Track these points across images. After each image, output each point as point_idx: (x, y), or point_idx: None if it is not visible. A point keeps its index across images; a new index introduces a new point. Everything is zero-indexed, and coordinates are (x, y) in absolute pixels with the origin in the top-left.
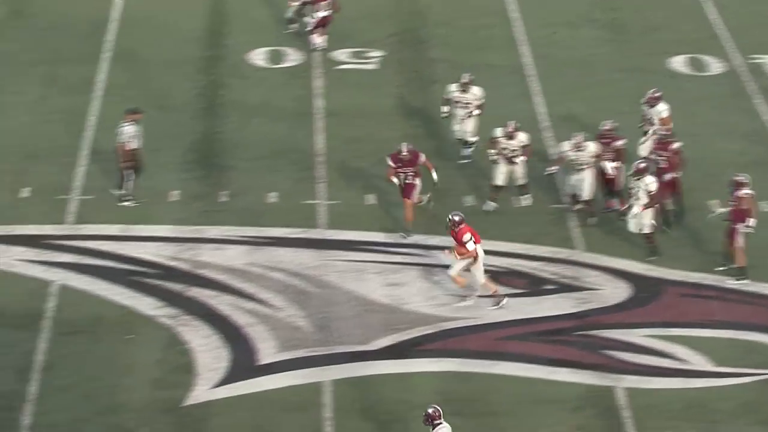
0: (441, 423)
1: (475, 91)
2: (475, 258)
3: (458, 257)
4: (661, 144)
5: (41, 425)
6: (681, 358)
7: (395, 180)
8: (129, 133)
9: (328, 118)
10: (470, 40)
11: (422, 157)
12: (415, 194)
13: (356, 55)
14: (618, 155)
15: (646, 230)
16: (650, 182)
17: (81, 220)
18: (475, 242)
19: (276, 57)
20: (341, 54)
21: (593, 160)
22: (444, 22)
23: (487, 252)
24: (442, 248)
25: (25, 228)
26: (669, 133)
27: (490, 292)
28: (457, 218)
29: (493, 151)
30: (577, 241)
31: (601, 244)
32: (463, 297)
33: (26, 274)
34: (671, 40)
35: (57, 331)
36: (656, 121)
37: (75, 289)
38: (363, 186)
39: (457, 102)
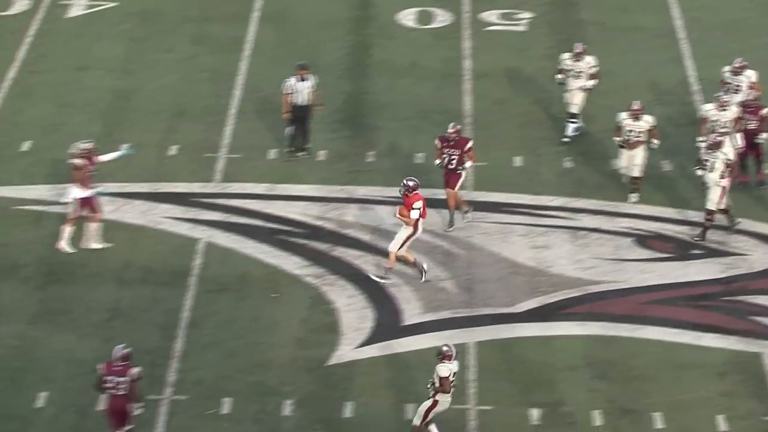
0: (447, 363)
1: (589, 60)
2: (415, 229)
3: (398, 217)
4: None
5: (186, 382)
6: None
7: (438, 162)
8: (292, 86)
9: (475, 79)
10: (620, 2)
11: (469, 144)
12: (459, 184)
13: (505, 16)
14: (763, 124)
15: (710, 206)
16: (729, 152)
17: (228, 178)
18: (420, 216)
19: (425, 18)
20: (490, 15)
21: (734, 124)
22: None
23: (634, 216)
24: (588, 211)
25: (173, 186)
26: None
27: (387, 266)
28: (411, 183)
29: (618, 138)
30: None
31: (749, 210)
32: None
33: (173, 231)
34: None
35: (202, 288)
36: (745, 87)
37: (221, 247)
38: (510, 147)
39: (569, 71)
